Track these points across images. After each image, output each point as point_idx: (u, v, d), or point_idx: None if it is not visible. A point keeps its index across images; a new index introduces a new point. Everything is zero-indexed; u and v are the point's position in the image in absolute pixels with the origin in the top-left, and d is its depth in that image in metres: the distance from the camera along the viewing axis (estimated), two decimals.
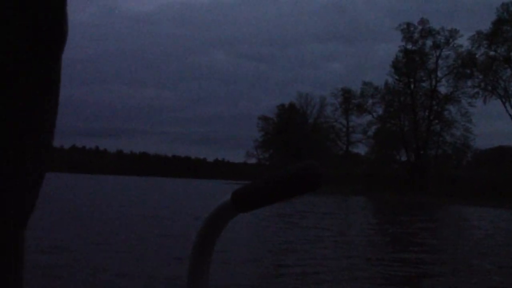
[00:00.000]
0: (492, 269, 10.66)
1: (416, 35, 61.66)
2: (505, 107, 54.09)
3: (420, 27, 61.25)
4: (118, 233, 13.49)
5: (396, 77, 63.62)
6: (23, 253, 0.53)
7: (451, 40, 60.33)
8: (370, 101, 67.53)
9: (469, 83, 57.84)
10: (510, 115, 53.71)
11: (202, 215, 0.79)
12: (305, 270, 9.45)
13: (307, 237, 14.83)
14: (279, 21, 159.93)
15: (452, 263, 11.19)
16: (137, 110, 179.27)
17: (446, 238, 17.09)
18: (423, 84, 63.20)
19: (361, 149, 79.32)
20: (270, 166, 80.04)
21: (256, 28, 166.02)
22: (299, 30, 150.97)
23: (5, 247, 0.50)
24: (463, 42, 77.39)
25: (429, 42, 61.56)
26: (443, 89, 61.75)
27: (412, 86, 62.90)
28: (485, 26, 69.48)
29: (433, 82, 62.24)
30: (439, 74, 61.87)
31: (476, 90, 56.56)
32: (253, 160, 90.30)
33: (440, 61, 61.35)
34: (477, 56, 56.00)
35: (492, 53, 54.85)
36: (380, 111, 66.59)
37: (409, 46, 62.18)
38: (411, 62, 61.74)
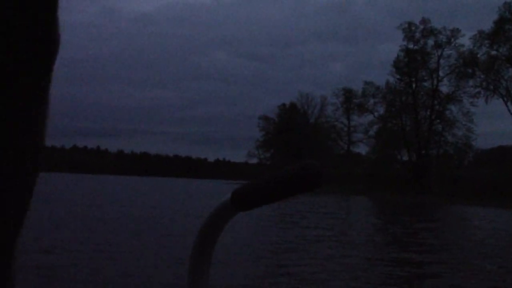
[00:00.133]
0: (493, 269, 10.66)
1: (417, 35, 61.63)
2: (507, 106, 54.00)
3: (421, 27, 61.22)
4: (119, 233, 13.51)
5: (398, 76, 63.57)
6: (16, 252, 0.53)
7: (452, 39, 60.29)
8: (372, 100, 67.55)
9: (471, 82, 57.74)
10: None
11: (203, 215, 0.78)
12: (305, 270, 9.45)
13: (308, 237, 14.83)
14: (280, 21, 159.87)
15: (453, 263, 11.18)
16: (138, 110, 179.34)
17: (447, 238, 17.08)
18: (425, 84, 63.14)
19: (362, 149, 79.15)
20: (271, 166, 79.96)
21: (256, 28, 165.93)
22: (300, 30, 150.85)
23: (5, 247, 0.50)
24: (465, 41, 77.64)
25: (430, 42, 61.53)
26: (444, 89, 61.74)
27: (413, 85, 62.82)
28: (487, 25, 69.53)
29: (435, 82, 62.18)
30: (440, 73, 61.85)
31: (477, 89, 56.44)
32: (254, 160, 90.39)
33: (441, 61, 61.31)
34: (478, 55, 55.93)
35: (494, 52, 54.78)
36: (381, 110, 66.63)
37: (411, 46, 62.14)
38: (413, 61, 61.63)
